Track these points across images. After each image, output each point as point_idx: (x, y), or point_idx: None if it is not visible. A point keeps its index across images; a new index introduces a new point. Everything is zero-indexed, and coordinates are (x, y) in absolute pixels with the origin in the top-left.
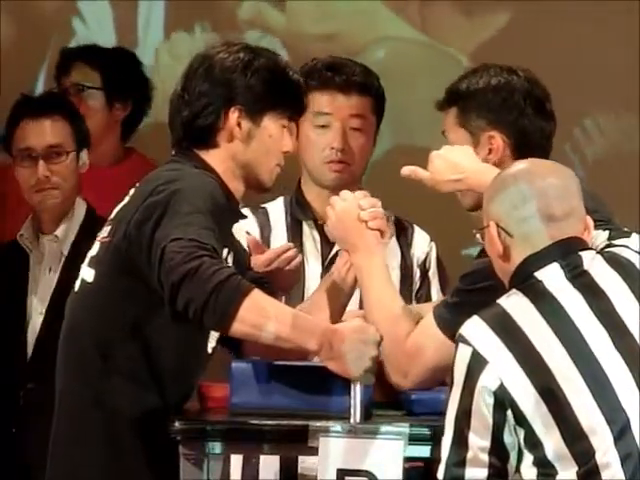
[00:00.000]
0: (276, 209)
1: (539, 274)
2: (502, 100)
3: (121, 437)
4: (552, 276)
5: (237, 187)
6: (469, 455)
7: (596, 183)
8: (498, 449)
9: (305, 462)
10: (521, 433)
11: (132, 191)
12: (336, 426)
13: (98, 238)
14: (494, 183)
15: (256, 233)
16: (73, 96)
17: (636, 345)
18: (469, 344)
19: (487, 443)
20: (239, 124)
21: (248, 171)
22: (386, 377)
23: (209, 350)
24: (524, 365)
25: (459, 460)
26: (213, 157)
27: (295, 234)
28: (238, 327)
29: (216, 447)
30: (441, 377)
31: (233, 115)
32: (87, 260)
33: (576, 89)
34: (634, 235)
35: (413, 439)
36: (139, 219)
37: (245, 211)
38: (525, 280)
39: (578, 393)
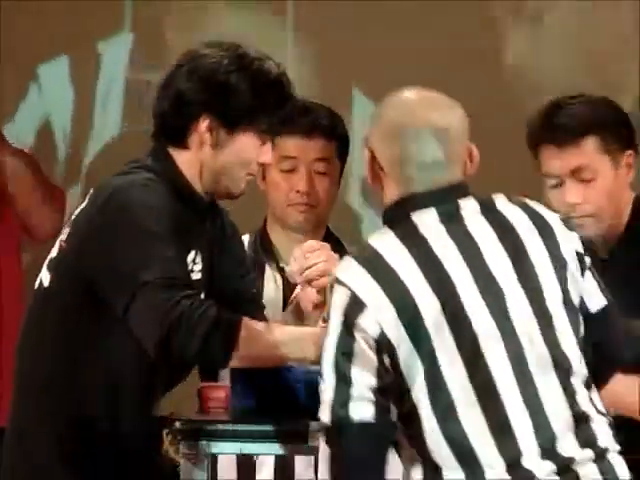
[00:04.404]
0: None
1: (415, 216)
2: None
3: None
4: (426, 220)
5: (204, 191)
6: (355, 393)
7: None
8: (383, 387)
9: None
10: (398, 377)
11: (90, 194)
12: None
13: (59, 239)
14: (379, 105)
15: None
16: None
17: (501, 293)
18: (347, 287)
19: (373, 381)
20: (211, 130)
21: (217, 179)
22: None
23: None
24: (399, 310)
25: (344, 399)
26: (184, 158)
27: (257, 275)
28: (239, 363)
29: (216, 447)
30: None
31: (205, 121)
32: (47, 261)
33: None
34: None
35: None
36: (89, 237)
37: None
38: (399, 219)
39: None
